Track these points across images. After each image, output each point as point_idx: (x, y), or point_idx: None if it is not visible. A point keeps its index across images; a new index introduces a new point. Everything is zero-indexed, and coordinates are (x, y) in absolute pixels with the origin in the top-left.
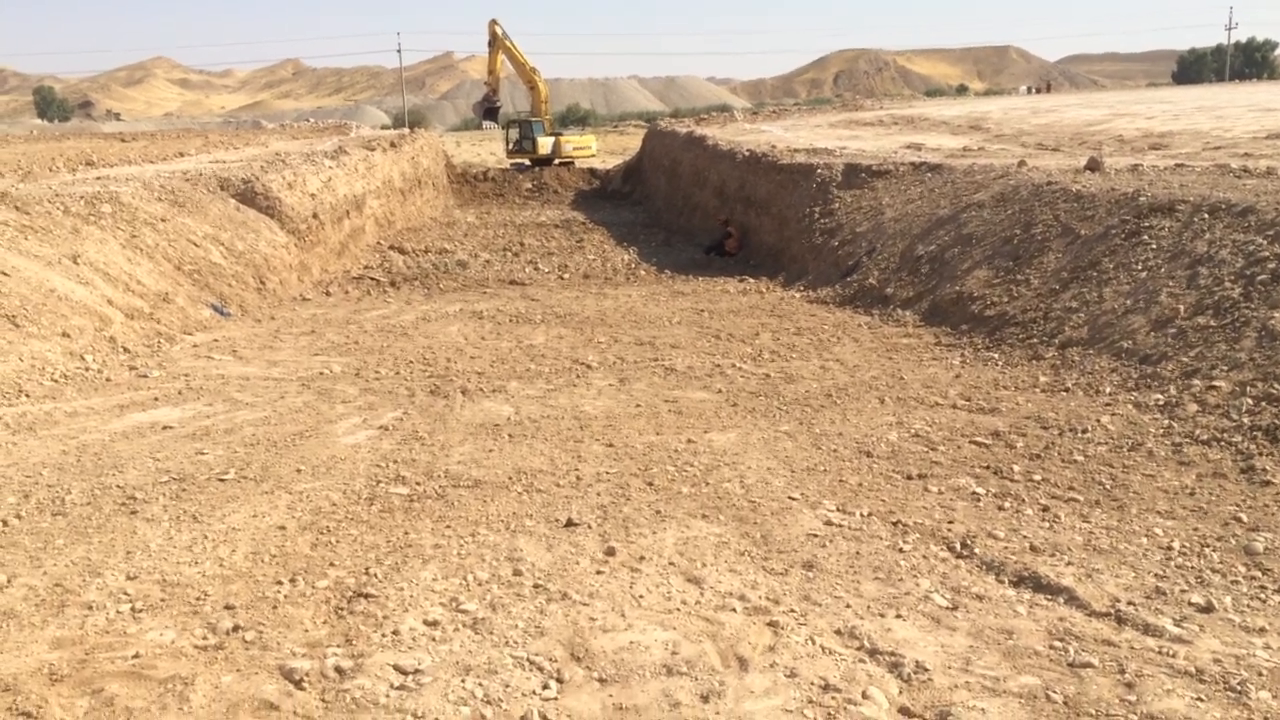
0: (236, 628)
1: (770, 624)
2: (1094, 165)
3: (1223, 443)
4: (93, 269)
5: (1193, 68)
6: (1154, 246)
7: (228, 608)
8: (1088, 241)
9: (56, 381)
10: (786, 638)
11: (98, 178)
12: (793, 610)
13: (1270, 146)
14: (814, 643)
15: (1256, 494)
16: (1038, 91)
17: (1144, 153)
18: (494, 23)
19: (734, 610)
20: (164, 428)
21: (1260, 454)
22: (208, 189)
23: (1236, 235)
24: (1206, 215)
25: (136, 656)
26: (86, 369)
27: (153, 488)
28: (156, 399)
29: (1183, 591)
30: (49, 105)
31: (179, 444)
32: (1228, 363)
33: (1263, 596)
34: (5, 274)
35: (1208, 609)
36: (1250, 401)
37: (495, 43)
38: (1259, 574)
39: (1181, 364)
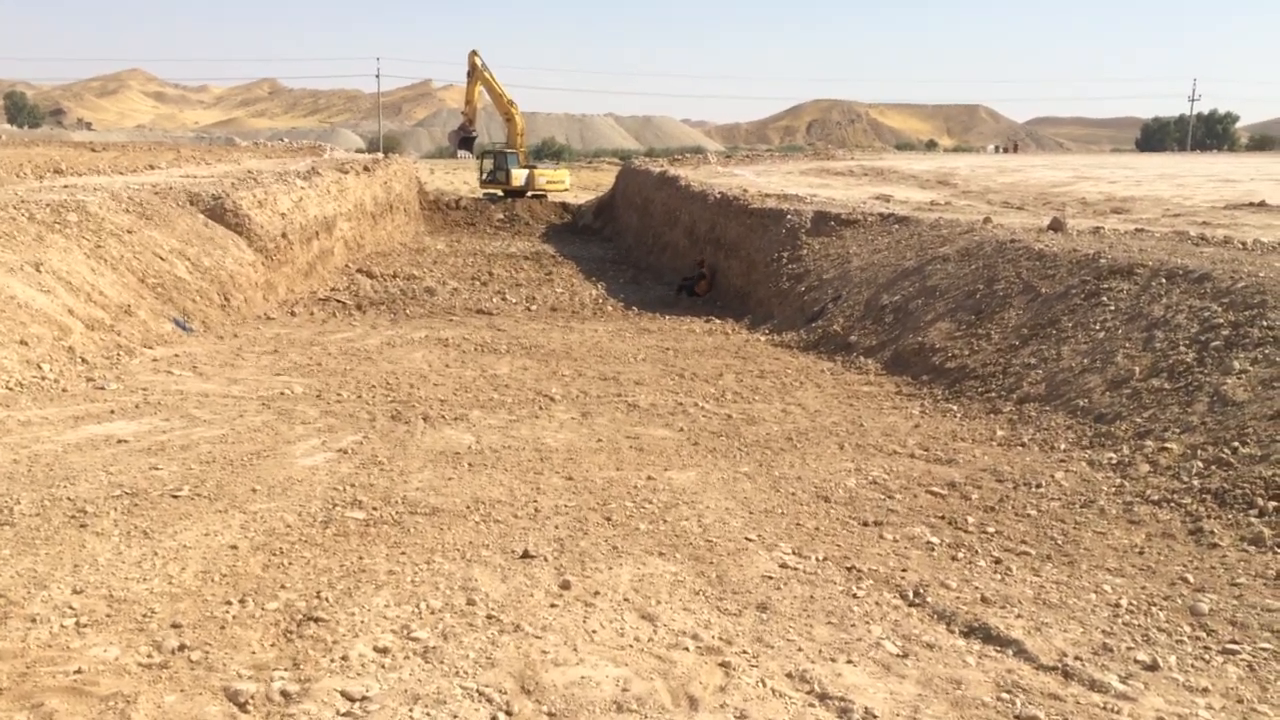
0: (182, 647)
1: (722, 664)
2: (1057, 225)
3: (1173, 504)
4: (55, 278)
5: (1156, 136)
6: (1112, 308)
7: (174, 626)
8: (1048, 300)
9: (11, 390)
10: (738, 679)
11: (65, 186)
12: (745, 651)
13: (1228, 216)
14: (765, 685)
15: (1204, 556)
16: (1005, 151)
17: (1106, 216)
18: (474, 54)
19: (686, 649)
20: (119, 441)
21: (1209, 516)
22: (176, 203)
23: (1193, 301)
24: (1164, 280)
25: (79, 672)
26: (43, 378)
27: (104, 501)
28: (113, 412)
29: (1129, 649)
30: (19, 111)
31: (133, 458)
32: (1180, 425)
33: (1207, 657)
34: None
35: (1153, 667)
36: (1200, 465)
37: (474, 73)
38: (1204, 634)
39: (1135, 424)
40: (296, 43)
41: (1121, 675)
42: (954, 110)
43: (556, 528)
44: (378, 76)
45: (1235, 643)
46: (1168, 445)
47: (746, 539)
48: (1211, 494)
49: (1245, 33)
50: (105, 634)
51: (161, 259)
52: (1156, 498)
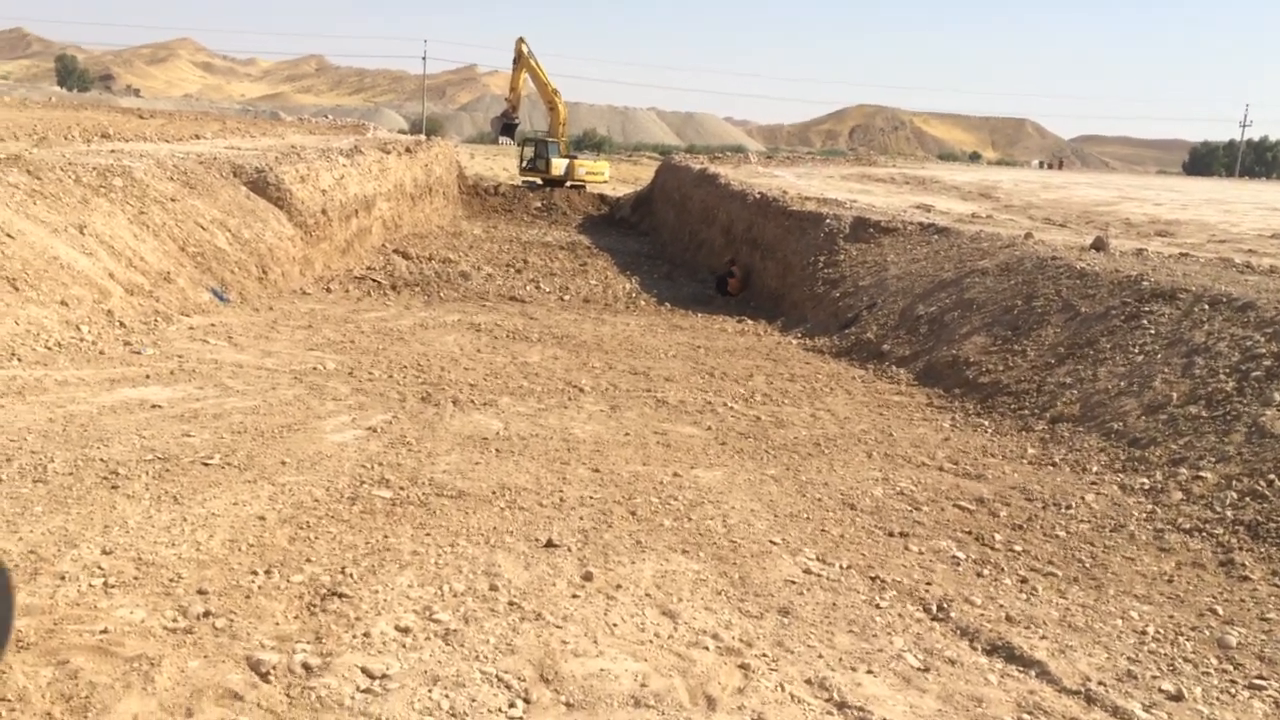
0: (207, 613)
1: (741, 666)
2: (1100, 245)
3: (1204, 533)
4: (98, 241)
5: (1204, 160)
6: (1152, 331)
7: (200, 592)
8: (1087, 319)
9: (50, 349)
10: (757, 682)
11: (112, 150)
12: (765, 655)
13: (1275, 245)
14: (784, 689)
15: (1234, 588)
16: (1050, 167)
17: (1150, 238)
18: (521, 41)
19: (706, 648)
20: (153, 406)
21: (1241, 548)
22: (220, 174)
23: (1235, 329)
24: (1207, 306)
25: (105, 632)
26: (81, 340)
27: (136, 465)
28: (148, 377)
29: (1154, 677)
30: (69, 74)
31: (166, 424)
32: (1216, 455)
33: (1232, 690)
34: (10, 236)
35: (1177, 697)
36: (1235, 495)
37: (520, 60)
38: (1230, 668)
39: (1170, 451)
40: (345, 21)
41: (1145, 704)
42: (1000, 123)
43: (581, 519)
44: (424, 59)
45: (1262, 678)
46: (1202, 474)
47: (771, 542)
48: (1245, 526)
49: None
50: (132, 596)
51: (203, 228)
52: (1188, 526)
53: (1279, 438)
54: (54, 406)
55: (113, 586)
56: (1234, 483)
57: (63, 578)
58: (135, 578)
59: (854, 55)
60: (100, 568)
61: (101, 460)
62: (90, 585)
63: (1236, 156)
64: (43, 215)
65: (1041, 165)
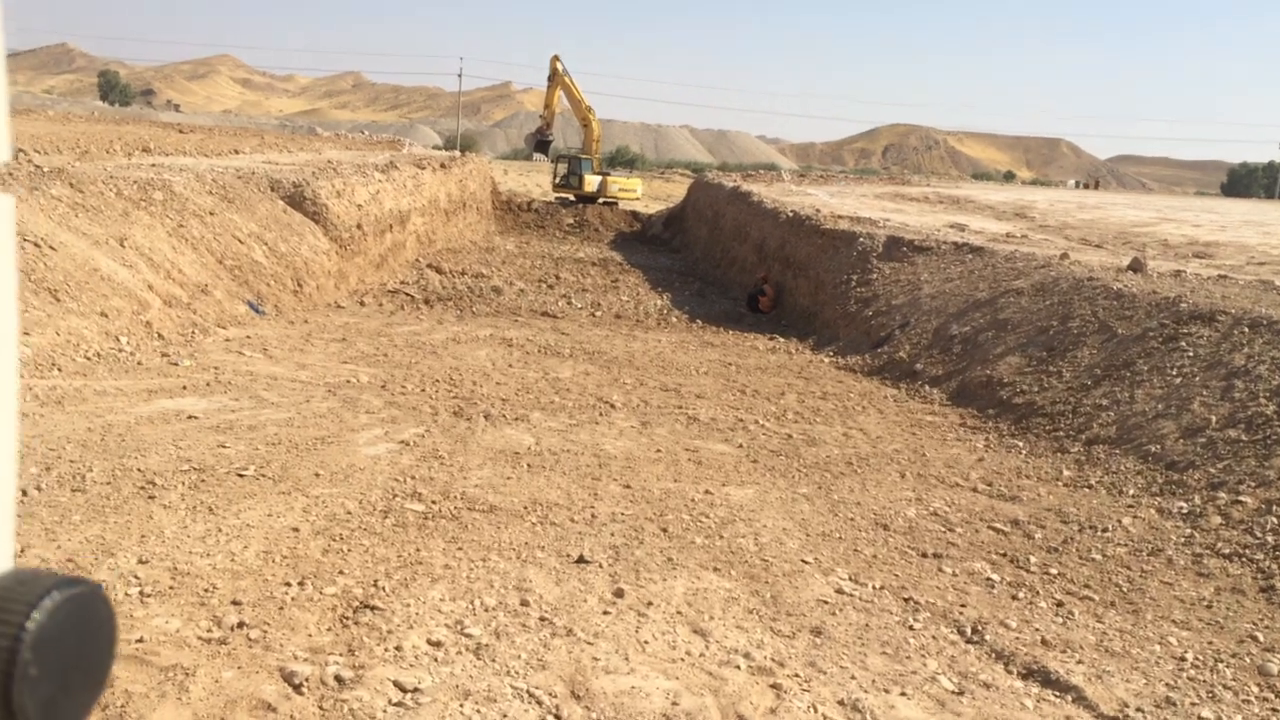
0: (241, 624)
1: (773, 686)
2: (1137, 266)
3: (1244, 559)
4: (137, 253)
5: (1242, 181)
6: (1191, 354)
7: (235, 603)
8: (1124, 341)
9: (89, 359)
10: (789, 702)
11: (152, 165)
12: (797, 675)
13: None
14: (816, 710)
15: (1275, 614)
16: (1085, 187)
17: (1188, 259)
18: (556, 58)
19: (738, 667)
20: (189, 417)
21: None
22: (258, 188)
23: (1276, 352)
24: (1247, 329)
25: (140, 641)
26: (120, 350)
27: (172, 475)
28: (185, 388)
29: (1193, 704)
30: (112, 89)
31: (202, 435)
32: (1256, 479)
33: (1274, 719)
34: (53, 248)
35: None
36: (1275, 520)
37: (555, 78)
38: (1271, 696)
39: (1208, 474)
40: (383, 39)
41: None
42: (1034, 143)
43: (612, 535)
44: (459, 76)
45: None
46: (1241, 498)
47: (803, 561)
48: None
49: None
50: (168, 605)
51: (240, 242)
52: (1227, 551)
53: None
54: (92, 416)
55: (148, 596)
56: (1274, 508)
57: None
58: (171, 587)
59: (888, 74)
60: (136, 577)
61: (139, 470)
62: (126, 594)
63: (1276, 177)
64: (84, 228)
65: (1077, 185)
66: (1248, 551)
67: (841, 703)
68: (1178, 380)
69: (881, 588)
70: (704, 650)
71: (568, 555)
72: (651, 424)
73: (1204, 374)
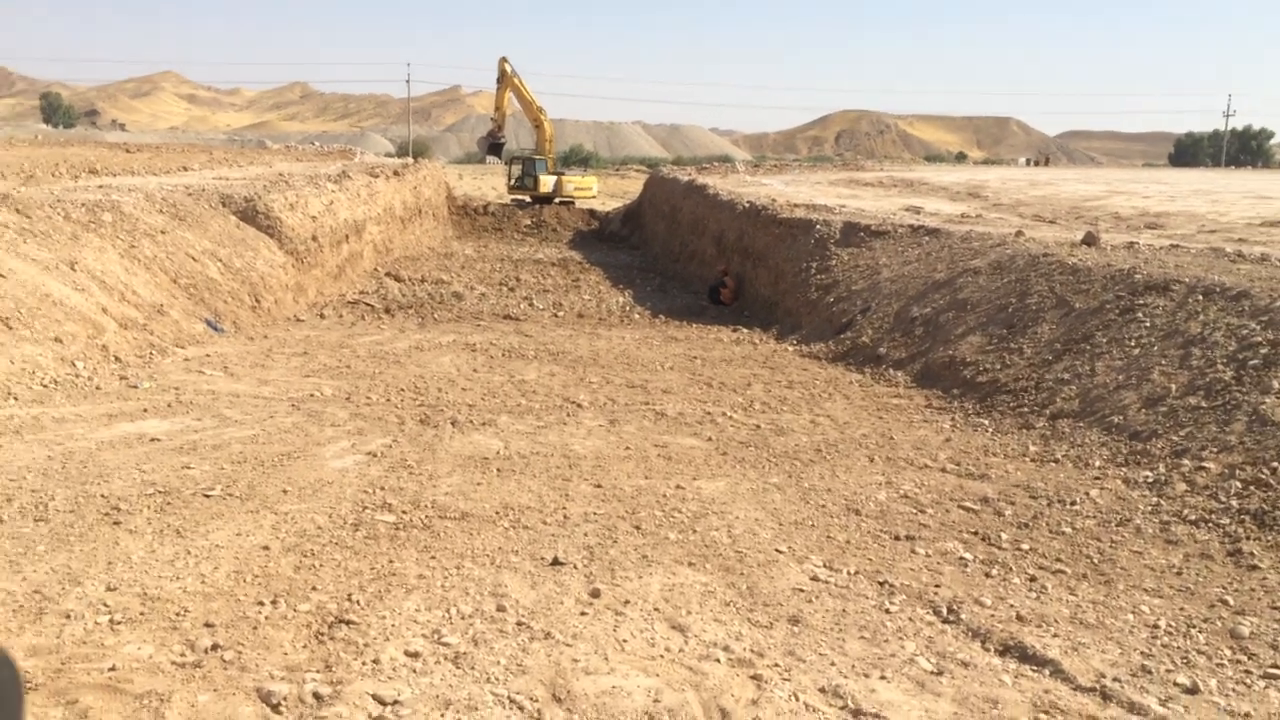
0: (215, 646)
1: (754, 677)
2: (1090, 240)
3: (1210, 524)
4: (89, 276)
5: (1189, 151)
6: (1148, 324)
7: (207, 625)
8: (1082, 315)
9: (46, 386)
10: (770, 692)
11: (100, 186)
12: (777, 665)
13: (1264, 233)
14: (797, 699)
15: (1243, 577)
16: (1036, 164)
17: (1140, 231)
18: (504, 60)
19: (718, 661)
20: (151, 439)
21: (1247, 538)
22: (209, 204)
23: (1230, 319)
24: (1201, 297)
25: (113, 669)
26: (77, 376)
27: (137, 499)
28: (145, 410)
29: (1168, 671)
30: (55, 111)
31: (165, 457)
32: (1217, 445)
33: (1248, 681)
34: (2, 275)
35: (1193, 690)
36: (1239, 485)
37: (504, 80)
38: (1244, 658)
39: (1171, 443)
40: (328, 48)
41: (1161, 698)
42: (984, 122)
43: (586, 535)
44: (408, 82)
45: (1277, 667)
46: (1205, 464)
47: (777, 550)
48: (1250, 515)
49: None
50: (139, 632)
51: (194, 260)
52: (1194, 518)
53: None
54: (52, 444)
55: (119, 623)
56: (1237, 472)
57: (68, 616)
58: (141, 613)
59: (836, 61)
60: (106, 605)
61: (102, 496)
62: (96, 623)
63: (1221, 146)
64: (33, 253)
65: (1028, 163)
66: (1214, 517)
67: (822, 690)
68: (1136, 351)
69: (856, 573)
70: (683, 646)
71: (542, 558)
72: (619, 422)
73: (1162, 343)
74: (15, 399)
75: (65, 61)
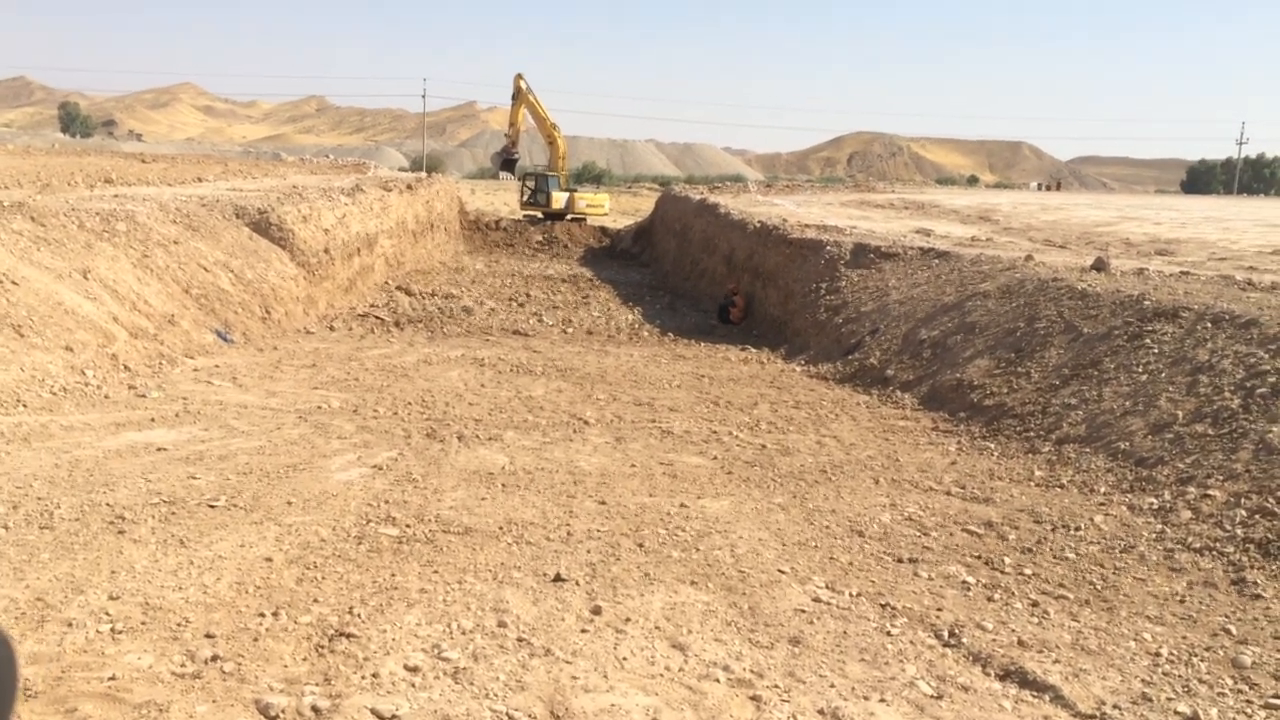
0: (215, 657)
1: (753, 698)
2: (1100, 265)
3: (1215, 552)
4: (102, 285)
5: (1202, 178)
6: (1156, 351)
7: (208, 636)
8: (1090, 340)
9: (55, 394)
10: (769, 713)
11: (115, 196)
12: (777, 685)
13: (1275, 261)
14: None
15: (1246, 606)
16: (1047, 189)
17: (1150, 257)
18: (519, 77)
19: (717, 680)
20: (158, 449)
21: (1252, 566)
22: (223, 216)
23: (1238, 347)
24: (1210, 324)
25: (113, 679)
26: (86, 384)
27: (142, 508)
28: (153, 420)
29: (1169, 699)
30: (73, 121)
31: (172, 466)
32: (1224, 473)
33: (1249, 711)
34: (15, 283)
35: (1193, 719)
36: (1244, 513)
37: (519, 96)
38: (1246, 688)
39: (1177, 470)
40: (345, 62)
41: None
42: (996, 146)
43: (589, 552)
44: (424, 97)
45: (1278, 697)
46: (1210, 492)
47: (779, 571)
48: (1255, 544)
49: None
50: (140, 641)
51: (206, 270)
52: (1198, 545)
53: None
54: (59, 452)
55: (120, 632)
56: (1243, 500)
57: (70, 624)
58: (143, 623)
59: (851, 83)
60: (107, 614)
61: (108, 505)
62: (98, 631)
63: (1234, 174)
64: (47, 261)
65: (1039, 187)
66: (1218, 545)
67: (821, 712)
68: (1144, 377)
69: (858, 594)
70: (683, 665)
71: (544, 574)
72: (625, 439)
73: (1169, 370)
74: (24, 406)
75: (84, 71)
